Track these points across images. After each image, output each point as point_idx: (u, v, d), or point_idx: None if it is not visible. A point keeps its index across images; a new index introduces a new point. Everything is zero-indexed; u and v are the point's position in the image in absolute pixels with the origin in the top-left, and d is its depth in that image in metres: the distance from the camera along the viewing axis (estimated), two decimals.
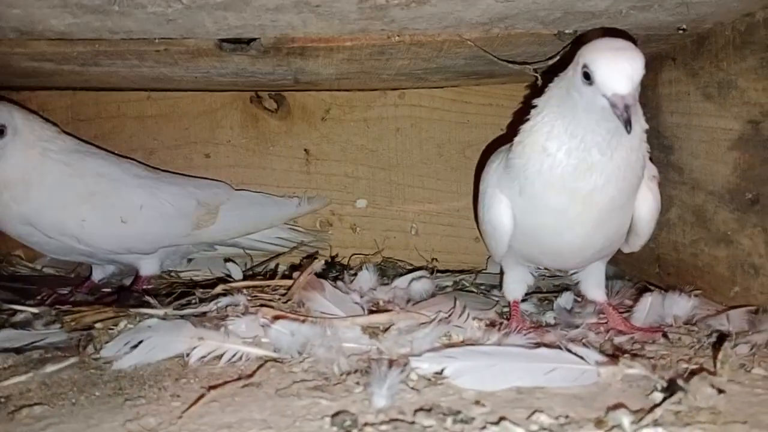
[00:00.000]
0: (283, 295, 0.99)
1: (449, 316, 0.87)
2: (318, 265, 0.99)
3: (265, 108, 1.41)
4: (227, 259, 1.29)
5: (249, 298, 0.94)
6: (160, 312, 0.91)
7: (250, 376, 0.71)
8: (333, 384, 0.69)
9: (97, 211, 1.09)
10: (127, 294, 1.05)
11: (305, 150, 1.43)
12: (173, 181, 1.24)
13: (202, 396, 0.66)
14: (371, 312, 0.93)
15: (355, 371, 0.73)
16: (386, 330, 0.86)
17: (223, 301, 0.93)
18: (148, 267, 1.19)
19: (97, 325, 0.88)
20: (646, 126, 0.83)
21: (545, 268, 1.09)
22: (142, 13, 0.81)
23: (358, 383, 0.68)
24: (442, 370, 0.68)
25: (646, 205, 0.87)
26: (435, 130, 1.44)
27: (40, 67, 1.07)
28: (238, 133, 1.41)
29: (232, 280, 1.15)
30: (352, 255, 1.39)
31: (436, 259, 1.42)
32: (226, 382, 0.70)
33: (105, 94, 1.37)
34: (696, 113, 1.02)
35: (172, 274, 1.30)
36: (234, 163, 1.41)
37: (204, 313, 0.92)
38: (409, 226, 1.44)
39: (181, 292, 1.03)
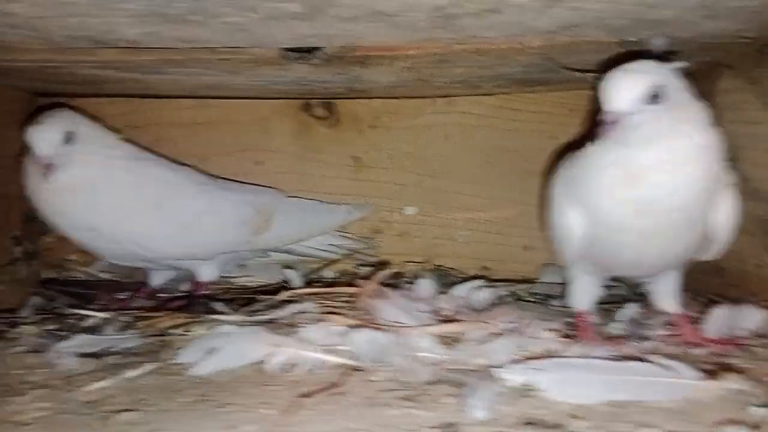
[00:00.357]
0: (346, 302, 1.00)
1: (521, 326, 0.87)
2: (386, 273, 0.99)
3: (316, 116, 1.42)
4: (286, 266, 1.29)
5: (316, 305, 0.94)
6: (233, 318, 0.92)
7: (336, 384, 0.71)
8: (419, 394, 0.69)
9: (160, 218, 1.10)
10: (195, 300, 1.06)
11: (354, 157, 1.43)
12: (230, 188, 1.25)
13: (295, 403, 0.66)
14: (441, 321, 0.92)
15: (438, 381, 0.73)
16: (459, 340, 0.86)
17: (293, 308, 0.93)
18: (207, 273, 1.20)
19: (171, 331, 0.89)
20: (718, 142, 0.83)
21: (615, 278, 1.08)
22: (217, 23, 0.82)
23: (448, 394, 0.68)
24: (531, 382, 0.67)
25: (724, 212, 0.86)
26: (484, 138, 1.43)
27: (101, 75, 1.08)
28: (289, 141, 1.42)
29: (291, 287, 1.15)
30: (402, 262, 1.39)
31: (487, 268, 1.41)
32: (314, 390, 0.70)
33: (158, 102, 1.38)
34: (758, 122, 1.01)
35: (226, 280, 1.31)
36: (284, 171, 1.41)
37: (273, 320, 0.92)
38: (457, 234, 1.44)
39: (248, 299, 1.04)
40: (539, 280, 1.31)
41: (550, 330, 0.86)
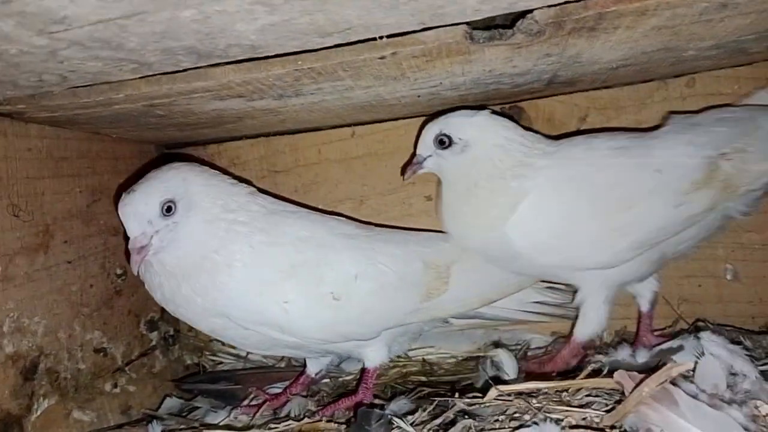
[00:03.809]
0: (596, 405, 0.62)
1: None
2: (679, 369, 0.59)
3: None
4: (496, 344, 0.94)
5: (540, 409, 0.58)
6: None
7: None
8: None
9: (303, 288, 0.81)
10: (368, 415, 0.73)
11: None
12: (390, 238, 0.92)
13: None
14: None
15: None
16: None
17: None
18: (374, 356, 0.89)
19: None
20: None
21: None
22: None
23: None
24: None
25: None
26: None
27: (226, 109, 0.82)
28: None
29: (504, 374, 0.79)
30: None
31: None
32: None
33: (302, 138, 1.12)
34: None
35: (402, 356, 1.00)
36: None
37: None
38: (721, 269, 1.00)
39: (437, 404, 0.70)
40: None
41: None
